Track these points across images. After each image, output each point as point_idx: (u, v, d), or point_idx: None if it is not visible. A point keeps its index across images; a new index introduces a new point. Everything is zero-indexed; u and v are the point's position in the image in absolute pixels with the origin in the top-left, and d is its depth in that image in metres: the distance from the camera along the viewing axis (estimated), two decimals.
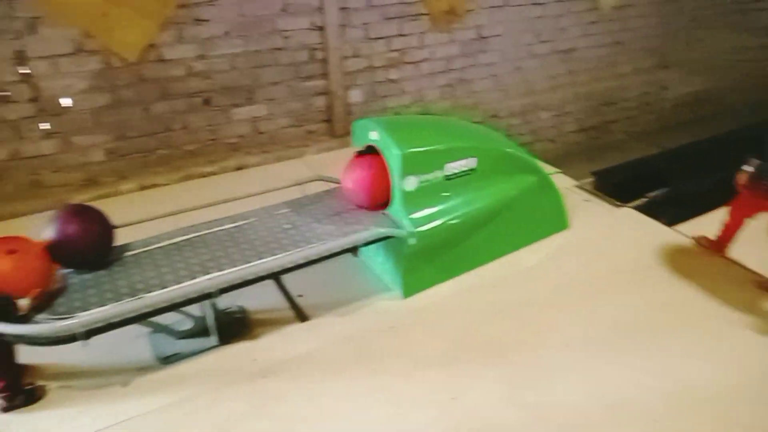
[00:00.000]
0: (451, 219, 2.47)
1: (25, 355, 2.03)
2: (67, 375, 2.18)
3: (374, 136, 2.38)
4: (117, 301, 1.98)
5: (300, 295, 2.65)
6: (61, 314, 1.90)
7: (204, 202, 2.58)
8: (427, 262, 2.56)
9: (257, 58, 3.69)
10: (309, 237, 2.34)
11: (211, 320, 2.33)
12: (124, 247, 2.27)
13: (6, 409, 2.01)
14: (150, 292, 2.02)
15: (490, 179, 2.58)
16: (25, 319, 1.84)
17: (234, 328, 2.43)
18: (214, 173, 3.78)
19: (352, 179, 2.48)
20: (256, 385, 2.15)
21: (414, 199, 2.37)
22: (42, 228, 2.07)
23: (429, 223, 2.40)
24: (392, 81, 4.31)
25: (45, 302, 1.92)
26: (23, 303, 1.83)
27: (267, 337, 2.41)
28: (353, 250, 2.32)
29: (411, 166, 2.30)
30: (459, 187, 2.49)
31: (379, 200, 2.44)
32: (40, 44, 3.06)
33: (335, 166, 3.67)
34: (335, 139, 4.22)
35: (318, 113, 4.13)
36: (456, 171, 2.45)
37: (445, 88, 4.58)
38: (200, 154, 3.79)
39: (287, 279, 2.69)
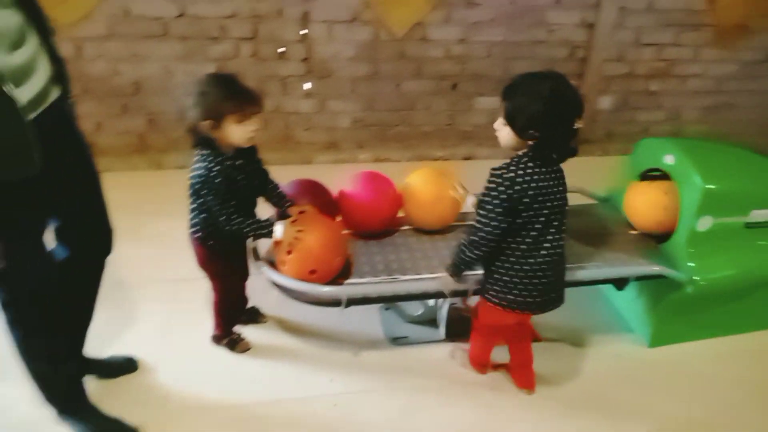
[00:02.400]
0: (739, 274, 2.10)
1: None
2: (306, 332, 2.28)
3: (669, 161, 2.08)
4: (373, 276, 1.98)
5: None
6: None
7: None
8: (689, 314, 2.22)
9: (515, 49, 3.53)
10: (566, 255, 2.15)
11: (443, 313, 2.28)
12: None
13: (214, 341, 2.17)
14: (404, 274, 2.00)
15: None
16: None
17: (460, 326, 2.35)
18: (443, 158, 3.76)
19: None
20: (483, 397, 2.05)
21: (702, 243, 2.04)
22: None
23: (713, 273, 2.06)
24: (650, 93, 3.87)
25: None
26: None
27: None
28: (619, 282, 2.08)
29: (711, 204, 1.97)
30: (757, 239, 2.10)
31: None
32: (324, 9, 3.23)
33: (570, 174, 3.41)
34: None
35: None
36: (761, 220, 2.06)
37: (708, 110, 4.02)
38: (434, 137, 3.78)
39: None
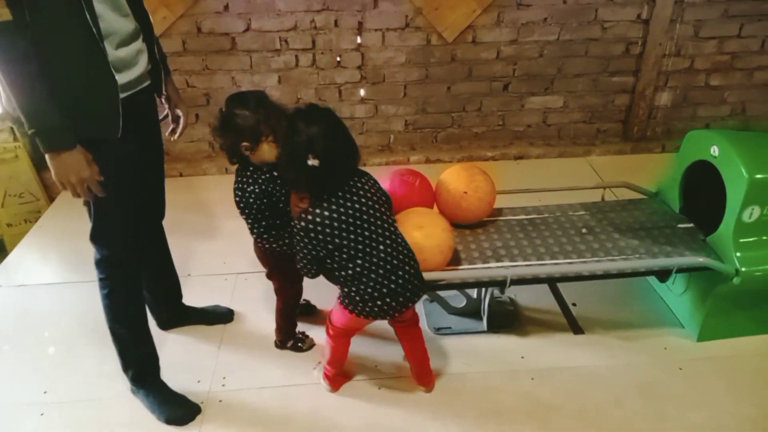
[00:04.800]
0: None
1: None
2: None
3: (714, 152, 2.06)
4: None
5: (574, 304, 2.51)
6: None
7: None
8: (739, 308, 2.18)
9: (568, 47, 3.54)
10: (609, 248, 2.17)
11: (485, 305, 2.35)
12: None
13: (278, 347, 2.28)
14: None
15: None
16: None
17: (502, 318, 2.42)
18: (494, 158, 3.80)
19: None
20: (523, 384, 2.10)
21: (749, 234, 2.00)
22: None
23: (761, 264, 2.01)
24: (712, 87, 3.74)
25: None
26: None
27: (536, 338, 2.34)
28: (662, 274, 2.07)
29: (757, 194, 1.94)
30: None
31: None
32: (377, 18, 3.38)
33: (624, 171, 3.37)
34: (627, 142, 3.88)
35: (615, 112, 3.83)
36: None
37: None
38: (485, 138, 3.84)
39: (562, 284, 2.58)
